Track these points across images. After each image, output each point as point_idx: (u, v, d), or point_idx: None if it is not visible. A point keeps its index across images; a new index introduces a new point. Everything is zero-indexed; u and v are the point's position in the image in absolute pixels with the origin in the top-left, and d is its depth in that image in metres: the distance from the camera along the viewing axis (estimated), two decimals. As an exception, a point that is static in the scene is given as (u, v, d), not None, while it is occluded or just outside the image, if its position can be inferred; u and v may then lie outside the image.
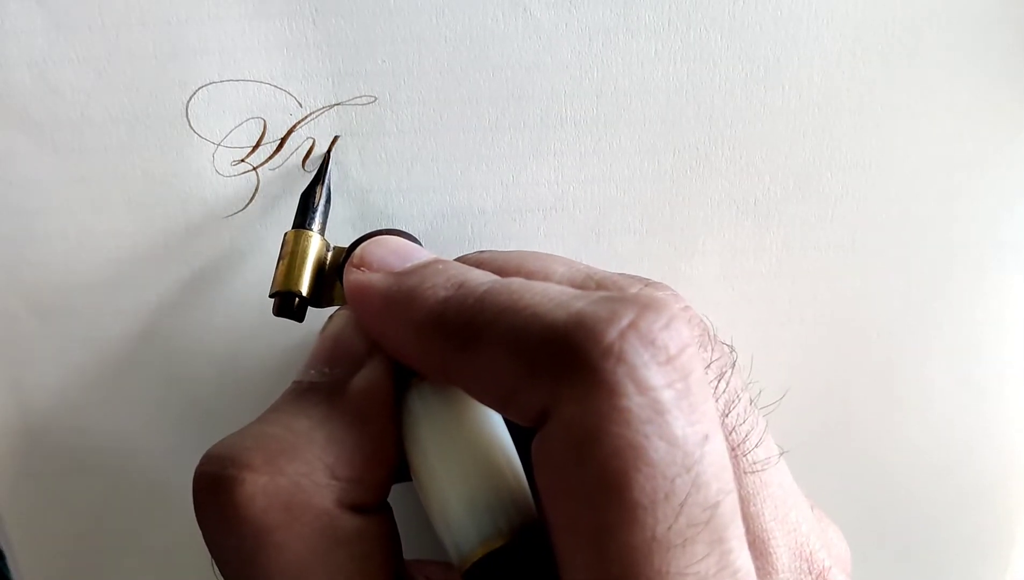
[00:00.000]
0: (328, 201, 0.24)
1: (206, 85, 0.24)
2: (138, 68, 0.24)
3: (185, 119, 0.24)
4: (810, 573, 0.20)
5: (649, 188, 0.26)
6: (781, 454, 0.21)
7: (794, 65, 0.25)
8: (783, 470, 0.21)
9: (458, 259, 0.21)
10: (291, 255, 0.22)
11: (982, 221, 0.27)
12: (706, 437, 0.16)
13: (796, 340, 0.28)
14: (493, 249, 0.24)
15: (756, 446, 0.20)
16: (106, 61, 0.24)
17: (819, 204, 0.26)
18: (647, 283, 0.21)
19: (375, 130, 0.25)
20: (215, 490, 0.17)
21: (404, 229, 0.23)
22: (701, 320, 0.20)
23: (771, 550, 0.19)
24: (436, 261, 0.20)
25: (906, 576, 0.30)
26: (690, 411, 0.16)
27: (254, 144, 0.24)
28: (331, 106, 0.24)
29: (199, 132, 0.24)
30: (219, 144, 0.24)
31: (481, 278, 0.18)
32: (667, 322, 0.16)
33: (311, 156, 0.25)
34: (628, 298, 0.16)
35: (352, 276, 0.20)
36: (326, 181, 0.24)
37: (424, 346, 0.18)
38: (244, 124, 0.24)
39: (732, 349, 0.21)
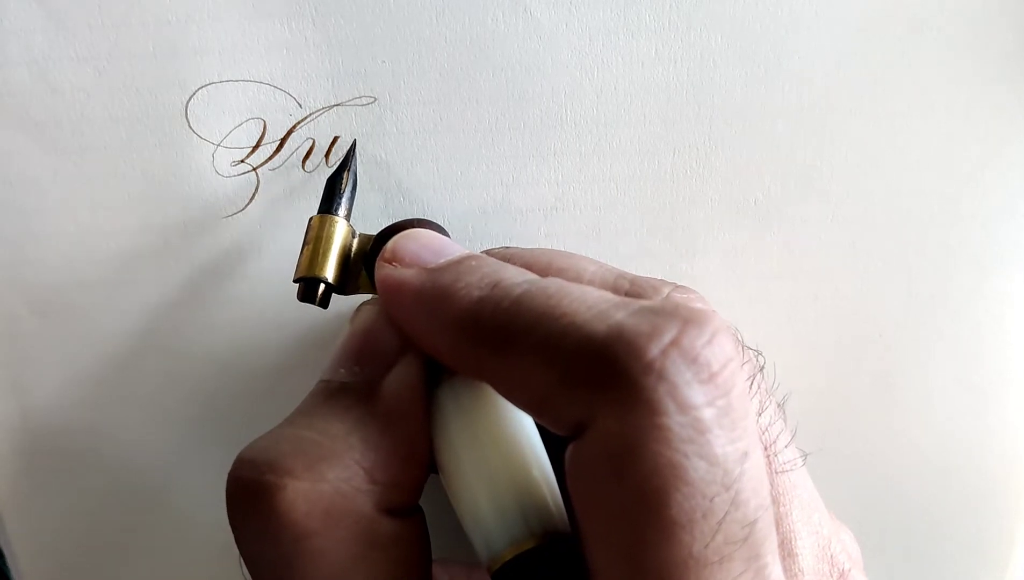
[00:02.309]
0: (355, 187, 0.23)
1: (206, 85, 0.24)
2: (138, 68, 0.24)
3: (185, 119, 0.24)
4: (831, 575, 0.20)
5: (649, 188, 0.26)
6: (806, 455, 0.21)
7: (794, 65, 0.25)
8: (805, 472, 0.21)
9: (484, 253, 0.21)
10: (316, 240, 0.22)
11: (983, 221, 0.27)
12: (746, 454, 0.16)
13: (797, 340, 0.28)
14: (517, 246, 0.23)
15: (784, 447, 0.20)
16: (106, 61, 0.24)
17: (819, 204, 0.26)
18: (676, 286, 0.20)
19: (375, 130, 0.25)
20: (254, 496, 0.17)
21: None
22: (731, 327, 0.20)
23: (797, 551, 0.19)
24: (469, 257, 0.20)
25: (906, 576, 0.30)
26: (731, 428, 0.15)
27: (254, 144, 0.24)
28: (331, 106, 0.24)
29: (199, 132, 0.24)
30: (219, 144, 0.24)
31: (516, 278, 0.18)
32: (710, 337, 0.16)
33: (312, 156, 0.25)
34: (669, 310, 0.16)
35: (384, 271, 0.20)
36: (352, 167, 0.23)
37: (458, 346, 0.18)
38: (244, 124, 0.24)
39: (759, 353, 0.21)
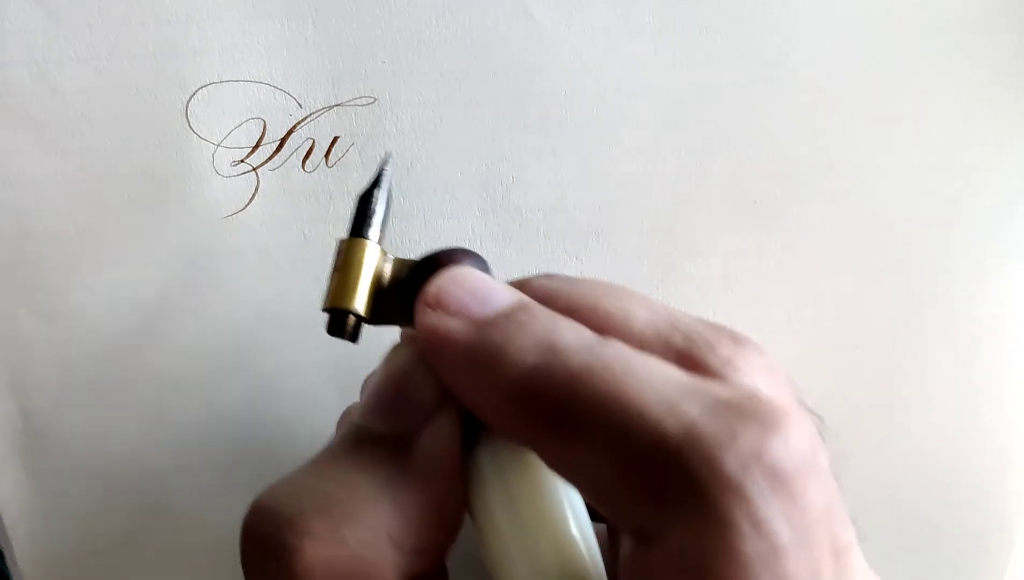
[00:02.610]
0: (388, 206, 0.21)
1: (206, 85, 0.24)
2: (138, 68, 0.24)
3: (185, 119, 0.24)
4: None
5: (649, 188, 0.26)
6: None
7: (795, 66, 0.25)
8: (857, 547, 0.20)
9: (520, 283, 0.20)
10: (346, 266, 0.20)
11: (982, 221, 0.27)
12: (817, 571, 0.15)
13: (796, 340, 0.28)
14: (559, 274, 0.21)
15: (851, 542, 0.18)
16: (106, 61, 0.24)
17: (820, 204, 0.26)
18: (735, 339, 0.18)
19: (375, 131, 0.25)
20: (269, 554, 0.16)
21: (468, 248, 0.21)
22: (807, 409, 0.18)
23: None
24: (519, 309, 0.18)
25: (906, 576, 0.30)
26: (804, 547, 0.15)
27: (254, 144, 0.24)
28: (331, 107, 0.24)
29: (199, 132, 0.24)
30: (219, 144, 0.24)
31: (572, 342, 0.17)
32: (785, 439, 0.15)
33: (311, 156, 0.25)
34: (748, 411, 0.15)
35: (428, 320, 0.18)
36: (385, 185, 0.21)
37: (508, 415, 0.17)
38: (244, 124, 0.24)
39: (820, 417, 0.19)
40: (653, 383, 0.16)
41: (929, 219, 0.27)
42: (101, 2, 0.23)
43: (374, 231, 0.20)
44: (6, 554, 0.28)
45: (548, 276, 0.20)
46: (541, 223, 0.26)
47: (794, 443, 0.15)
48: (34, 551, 0.28)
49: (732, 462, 0.14)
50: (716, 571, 0.14)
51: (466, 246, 0.20)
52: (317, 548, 0.16)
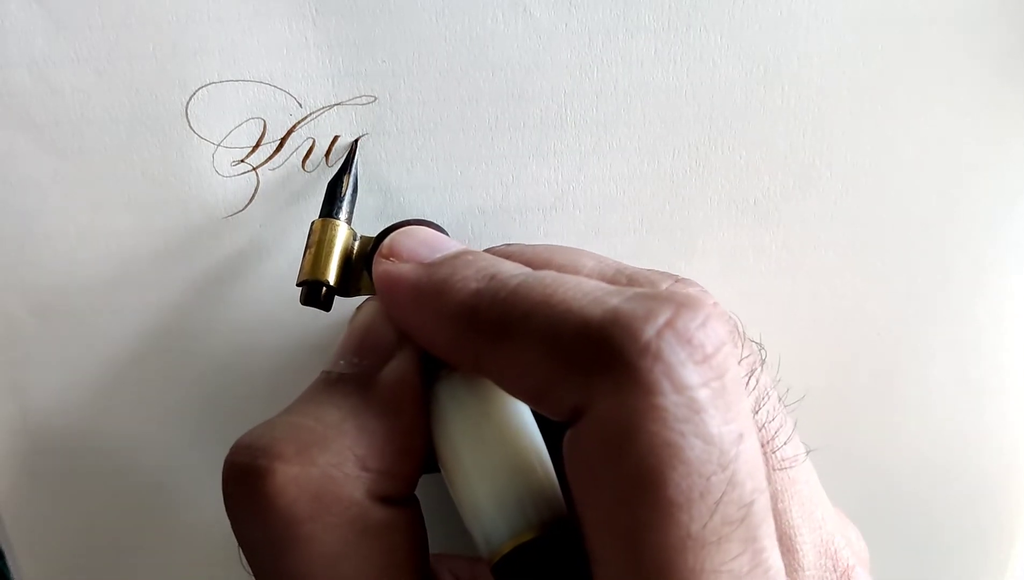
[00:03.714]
0: (355, 190, 0.24)
1: (206, 85, 0.24)
2: (138, 68, 0.24)
3: (185, 119, 0.24)
4: (835, 571, 0.20)
5: (649, 188, 0.26)
6: (808, 452, 0.21)
7: (794, 65, 0.25)
8: (808, 468, 0.21)
9: (486, 251, 0.21)
10: (318, 244, 0.22)
11: (982, 221, 0.27)
12: (741, 436, 0.16)
13: (796, 340, 0.28)
14: (519, 242, 0.23)
15: (784, 443, 0.20)
16: (106, 61, 0.24)
17: (819, 203, 0.26)
18: (677, 279, 0.20)
19: (375, 130, 0.25)
20: (245, 480, 0.17)
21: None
22: (730, 317, 0.20)
23: (797, 547, 0.19)
24: (466, 252, 0.20)
25: (906, 576, 0.30)
26: (726, 410, 0.16)
27: (254, 144, 0.24)
28: (331, 106, 0.24)
29: (199, 132, 0.24)
30: (219, 144, 0.24)
31: (513, 270, 0.18)
32: (703, 320, 0.16)
33: (312, 156, 0.25)
34: (663, 295, 0.16)
35: (381, 266, 0.20)
36: (353, 170, 0.24)
37: (455, 338, 0.18)
38: (244, 124, 0.24)
39: (761, 346, 0.21)
40: (581, 287, 0.17)
41: (929, 218, 0.27)
42: (101, 2, 0.23)
43: (343, 212, 0.23)
44: (6, 554, 0.28)
45: (507, 244, 0.23)
46: (541, 223, 0.26)
47: (712, 326, 0.16)
48: (34, 551, 0.28)
49: (650, 330, 0.15)
50: (640, 427, 0.15)
51: (464, 244, 0.21)
52: (287, 468, 0.17)
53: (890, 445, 0.29)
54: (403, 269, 0.20)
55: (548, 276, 0.18)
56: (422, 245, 0.20)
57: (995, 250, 0.27)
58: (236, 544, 0.18)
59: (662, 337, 0.15)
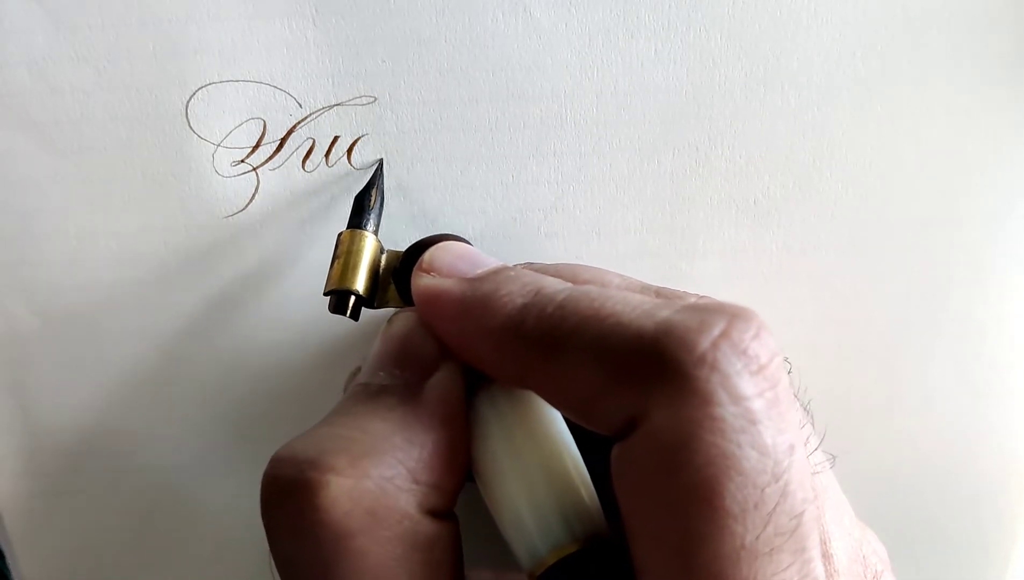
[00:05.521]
0: (382, 204, 0.24)
1: (206, 85, 0.24)
2: (138, 68, 0.24)
3: (185, 119, 0.24)
4: (865, 576, 0.20)
5: (649, 188, 0.26)
6: (834, 458, 0.21)
7: (794, 65, 0.25)
8: (832, 475, 0.21)
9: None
10: (347, 254, 0.22)
11: (982, 221, 0.27)
12: (792, 446, 0.16)
13: (796, 340, 0.28)
14: (537, 262, 0.23)
15: (815, 449, 0.20)
16: (106, 60, 0.24)
17: (819, 204, 0.26)
18: (699, 297, 0.20)
19: (375, 130, 0.25)
20: (293, 494, 0.17)
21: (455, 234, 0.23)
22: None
23: (832, 552, 0.19)
24: (506, 267, 0.20)
25: (907, 576, 0.30)
26: (779, 420, 0.16)
27: (254, 144, 0.24)
28: (331, 106, 0.24)
29: (199, 132, 0.24)
30: (219, 144, 0.24)
31: (557, 285, 0.18)
32: (756, 331, 0.16)
33: (312, 156, 0.25)
34: (714, 307, 0.16)
35: (423, 281, 0.20)
36: (380, 184, 0.24)
37: (502, 353, 0.18)
38: (244, 124, 0.24)
39: (786, 358, 0.21)
40: (629, 301, 0.17)
41: (929, 218, 0.27)
42: (101, 2, 0.23)
43: (371, 225, 0.23)
44: (6, 554, 0.28)
45: (528, 263, 0.23)
46: (541, 223, 0.26)
47: (764, 337, 0.16)
48: (34, 551, 0.28)
49: (705, 341, 0.15)
50: (698, 437, 0.15)
51: (501, 261, 0.21)
52: (342, 481, 0.17)
53: (891, 445, 0.29)
54: (446, 284, 0.19)
55: (593, 290, 0.18)
56: (460, 260, 0.20)
57: (995, 250, 0.27)
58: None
59: (718, 348, 0.15)
